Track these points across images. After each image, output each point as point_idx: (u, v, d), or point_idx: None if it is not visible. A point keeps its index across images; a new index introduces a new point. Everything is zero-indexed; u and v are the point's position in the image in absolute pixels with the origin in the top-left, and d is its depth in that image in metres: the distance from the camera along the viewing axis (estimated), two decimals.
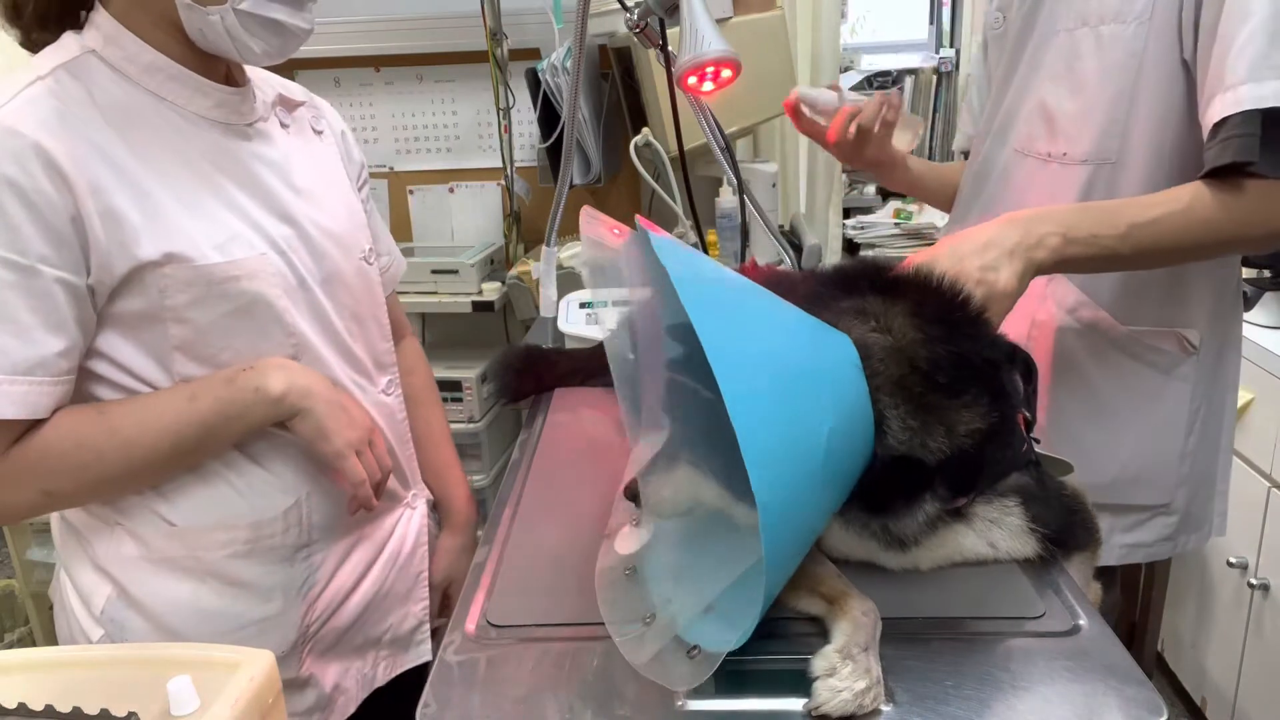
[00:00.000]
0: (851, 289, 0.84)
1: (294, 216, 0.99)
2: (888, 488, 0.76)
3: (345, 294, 1.05)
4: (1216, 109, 0.97)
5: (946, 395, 0.75)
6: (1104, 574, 1.32)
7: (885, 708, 0.67)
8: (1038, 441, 0.86)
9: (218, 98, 0.95)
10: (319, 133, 1.11)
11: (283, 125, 1.05)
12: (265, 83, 1.06)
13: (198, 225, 0.90)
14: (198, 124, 0.94)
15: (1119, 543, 1.25)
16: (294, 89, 1.11)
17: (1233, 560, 1.90)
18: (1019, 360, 0.85)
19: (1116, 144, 1.10)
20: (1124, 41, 1.07)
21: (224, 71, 0.97)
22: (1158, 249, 1.00)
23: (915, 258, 0.94)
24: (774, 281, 1.05)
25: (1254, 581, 1.83)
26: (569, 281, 1.86)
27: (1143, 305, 1.16)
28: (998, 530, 0.82)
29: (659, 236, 0.71)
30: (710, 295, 0.70)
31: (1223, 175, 0.98)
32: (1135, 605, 1.73)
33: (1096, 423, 1.21)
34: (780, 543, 0.66)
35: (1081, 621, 0.76)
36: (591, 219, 0.89)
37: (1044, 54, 1.16)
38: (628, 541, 0.86)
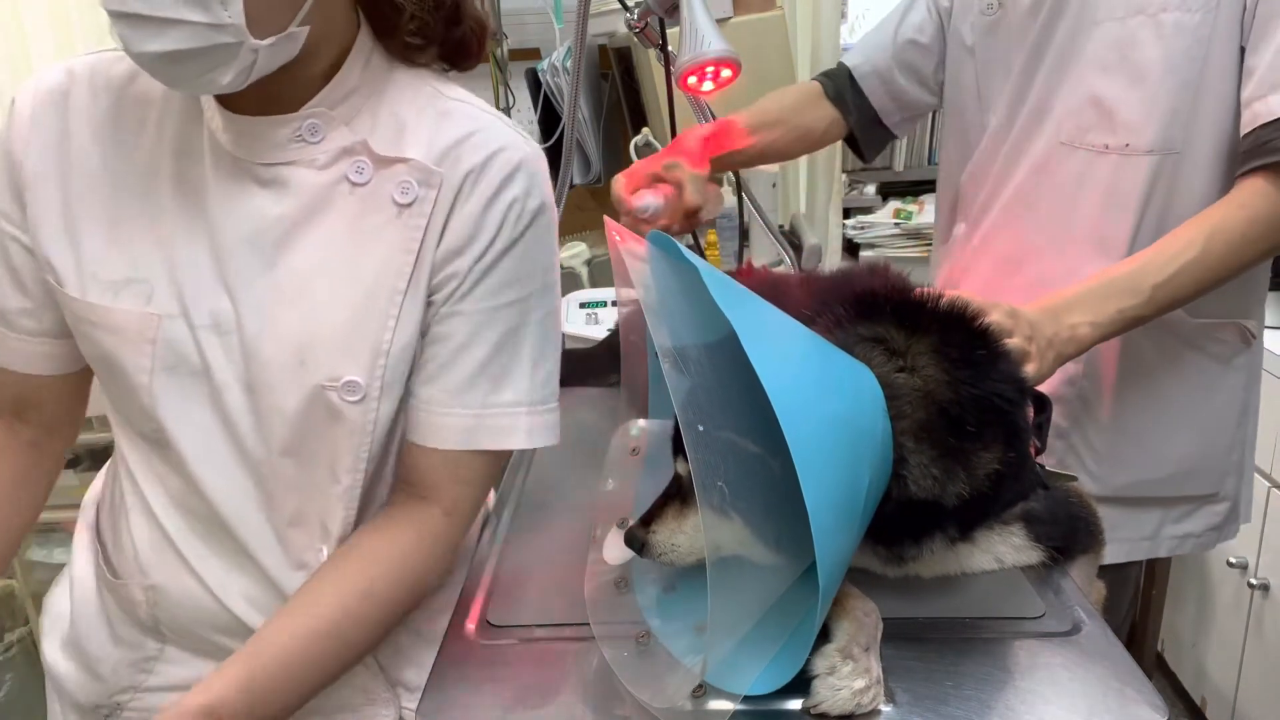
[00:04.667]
0: (868, 313, 0.79)
1: (236, 293, 0.78)
2: (898, 527, 0.74)
3: (279, 421, 0.79)
4: None
5: (970, 440, 0.73)
6: (1127, 568, 1.31)
7: (885, 708, 0.67)
8: (1042, 468, 0.85)
9: (220, 123, 0.79)
10: (404, 205, 0.79)
11: (352, 182, 0.79)
12: (388, 123, 0.81)
13: (97, 252, 0.80)
14: (200, 150, 0.80)
15: (1169, 534, 1.25)
16: (414, 144, 0.79)
17: (1233, 560, 1.90)
18: (1030, 395, 0.83)
19: (1181, 134, 1.10)
20: (1189, 30, 1.06)
21: (273, 93, 0.77)
22: (1182, 297, 1.03)
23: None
24: (769, 285, 1.04)
25: (1254, 581, 1.83)
26: (569, 281, 1.86)
27: (1212, 297, 1.14)
28: (1002, 546, 0.82)
29: (710, 270, 0.66)
30: (772, 345, 0.65)
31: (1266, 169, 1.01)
32: (1135, 605, 1.73)
33: (1158, 417, 1.21)
34: (826, 605, 0.66)
35: (1082, 621, 0.76)
36: (617, 232, 0.77)
37: (1084, 43, 1.14)
38: (615, 548, 0.84)
